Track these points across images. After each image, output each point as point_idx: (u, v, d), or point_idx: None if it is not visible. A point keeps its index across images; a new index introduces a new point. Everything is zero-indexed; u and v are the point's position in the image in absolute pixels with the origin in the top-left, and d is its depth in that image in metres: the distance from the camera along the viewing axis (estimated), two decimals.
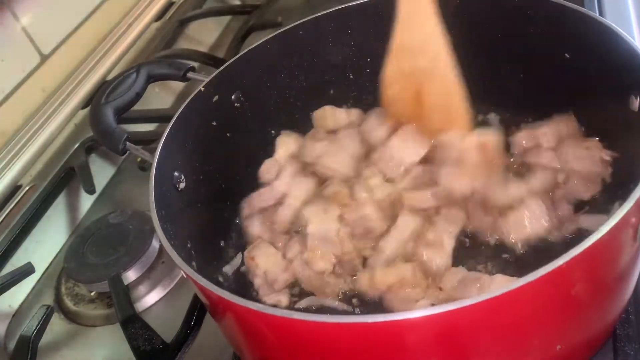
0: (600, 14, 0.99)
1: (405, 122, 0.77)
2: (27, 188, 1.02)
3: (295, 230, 0.78)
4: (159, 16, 1.41)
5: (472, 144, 0.72)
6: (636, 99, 0.64)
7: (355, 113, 0.91)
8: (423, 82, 0.72)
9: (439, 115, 0.75)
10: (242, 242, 0.82)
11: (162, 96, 1.24)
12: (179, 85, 1.25)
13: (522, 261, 0.69)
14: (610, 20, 0.68)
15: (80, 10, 1.25)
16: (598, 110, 0.73)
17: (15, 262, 0.92)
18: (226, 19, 1.48)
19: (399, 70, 0.74)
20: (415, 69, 0.72)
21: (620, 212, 0.46)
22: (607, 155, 0.73)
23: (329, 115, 0.90)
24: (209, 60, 1.20)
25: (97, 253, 0.88)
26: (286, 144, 0.88)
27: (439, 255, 0.69)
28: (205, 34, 1.43)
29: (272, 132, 0.90)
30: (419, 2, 0.68)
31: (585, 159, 0.74)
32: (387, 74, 0.76)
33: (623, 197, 0.48)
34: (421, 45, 0.70)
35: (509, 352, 0.51)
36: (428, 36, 0.69)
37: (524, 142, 0.80)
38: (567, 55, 0.75)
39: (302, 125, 0.92)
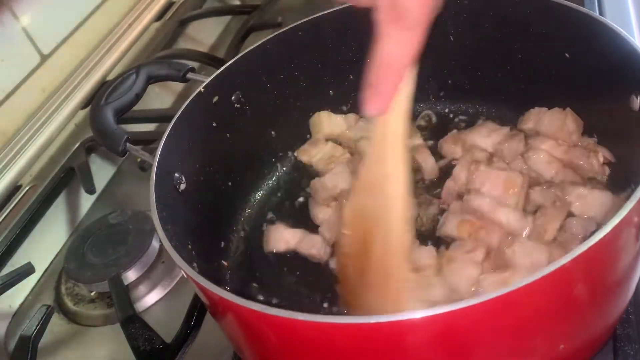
0: (600, 13, 0.99)
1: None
2: (27, 188, 1.02)
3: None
4: (159, 16, 1.41)
5: None
6: (637, 98, 0.64)
7: (352, 118, 0.92)
8: (373, 225, 0.62)
9: (377, 269, 0.62)
10: (242, 242, 0.83)
11: (162, 96, 1.24)
12: (179, 86, 1.25)
13: None
14: (610, 19, 0.68)
15: (80, 10, 1.25)
16: (598, 110, 0.73)
17: (15, 262, 0.92)
18: (226, 19, 1.48)
19: (357, 211, 0.65)
20: (372, 208, 0.63)
21: (623, 212, 0.46)
22: (602, 156, 0.73)
23: (325, 121, 0.90)
24: (209, 60, 1.20)
25: (97, 253, 0.87)
26: None
27: None
28: (205, 34, 1.42)
29: (272, 132, 0.90)
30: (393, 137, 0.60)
31: (582, 156, 0.75)
32: (347, 212, 0.67)
33: (625, 197, 0.48)
34: (382, 182, 0.61)
35: (512, 353, 0.51)
36: (389, 171, 0.60)
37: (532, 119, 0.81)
38: (567, 54, 0.75)
39: (302, 126, 0.92)
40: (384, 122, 0.58)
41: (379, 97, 0.55)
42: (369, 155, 0.63)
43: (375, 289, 0.62)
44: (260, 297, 0.75)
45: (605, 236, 0.45)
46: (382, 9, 0.53)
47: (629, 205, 0.47)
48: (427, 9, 0.51)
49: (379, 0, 0.53)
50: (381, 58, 0.54)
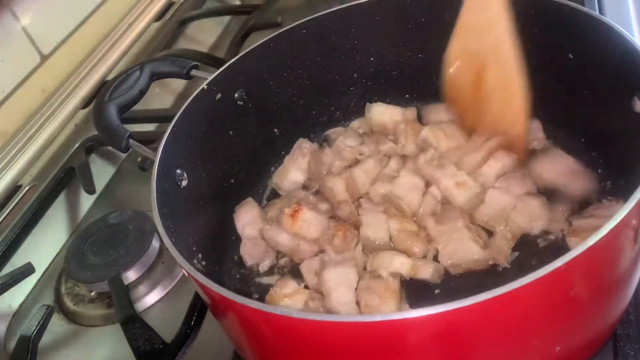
0: (600, 13, 0.99)
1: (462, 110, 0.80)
2: (27, 188, 1.02)
3: None
4: (159, 16, 1.41)
5: None
6: (639, 100, 0.64)
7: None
8: (484, 64, 0.73)
9: (496, 103, 0.75)
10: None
11: (162, 96, 1.24)
12: (179, 86, 1.25)
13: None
14: (610, 20, 0.68)
15: (80, 10, 1.25)
16: (600, 112, 0.73)
17: (15, 262, 0.92)
18: (226, 19, 1.48)
19: (462, 49, 0.75)
20: (479, 49, 0.73)
21: (620, 214, 0.46)
22: None
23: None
24: (209, 60, 1.20)
25: (97, 253, 0.87)
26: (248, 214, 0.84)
27: None
28: (205, 34, 1.43)
29: (275, 130, 0.90)
30: None
31: None
32: (451, 52, 0.76)
33: (624, 199, 0.48)
34: (487, 25, 0.71)
35: (507, 352, 0.51)
36: (494, 16, 0.70)
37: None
38: (570, 55, 0.74)
39: (304, 124, 0.92)
40: None
41: None
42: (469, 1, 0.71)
43: (495, 110, 0.75)
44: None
45: (601, 239, 0.45)
46: None
47: (627, 208, 0.47)
48: None
49: None
50: None
